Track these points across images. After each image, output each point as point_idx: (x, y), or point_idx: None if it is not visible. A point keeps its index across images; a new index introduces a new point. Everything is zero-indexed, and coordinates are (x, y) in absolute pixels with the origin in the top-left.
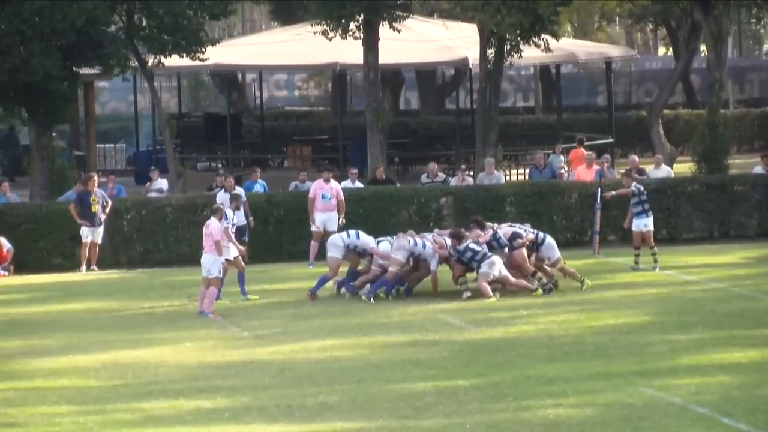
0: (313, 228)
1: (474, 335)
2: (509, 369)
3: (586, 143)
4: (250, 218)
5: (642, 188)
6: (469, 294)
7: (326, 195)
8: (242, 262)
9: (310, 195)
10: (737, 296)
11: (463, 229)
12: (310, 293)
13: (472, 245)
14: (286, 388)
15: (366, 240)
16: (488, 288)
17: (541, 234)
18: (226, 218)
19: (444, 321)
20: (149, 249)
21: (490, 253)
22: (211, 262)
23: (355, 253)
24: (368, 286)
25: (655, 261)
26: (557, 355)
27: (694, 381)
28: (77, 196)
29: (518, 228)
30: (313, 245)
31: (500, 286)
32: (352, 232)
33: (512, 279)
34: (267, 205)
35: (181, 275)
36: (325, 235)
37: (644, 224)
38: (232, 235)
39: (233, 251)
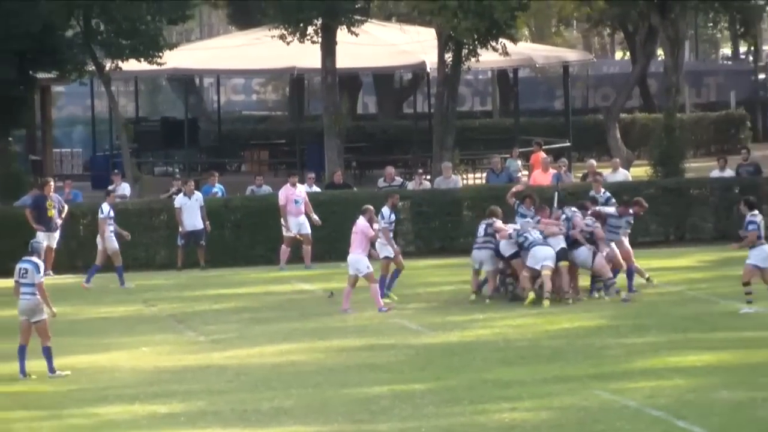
0: (288, 233)
1: (430, 339)
2: (465, 373)
3: (544, 147)
4: (206, 222)
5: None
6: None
7: (298, 200)
8: (402, 260)
9: (281, 201)
10: (693, 299)
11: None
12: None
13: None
14: (241, 393)
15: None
16: (527, 283)
17: (537, 237)
18: (383, 217)
19: (400, 325)
20: None
21: (537, 244)
22: (358, 261)
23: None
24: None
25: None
26: (513, 359)
27: (650, 384)
28: (33, 201)
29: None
30: (285, 249)
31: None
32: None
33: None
34: (224, 210)
35: (137, 280)
36: (302, 238)
37: None
38: (390, 234)
39: (389, 249)
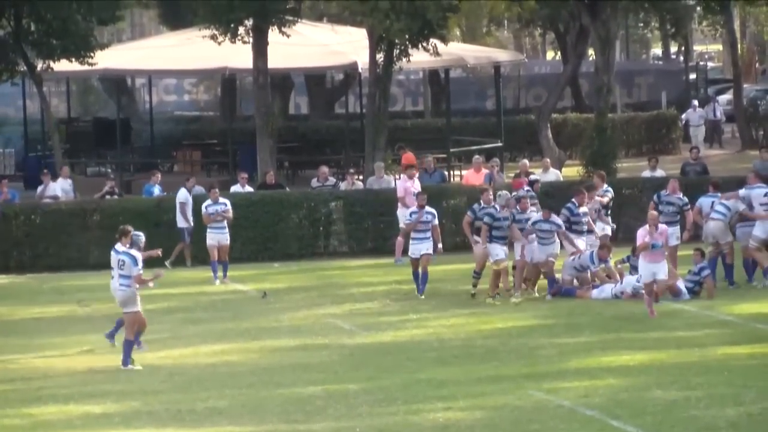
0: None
1: (364, 339)
2: (399, 373)
3: (476, 147)
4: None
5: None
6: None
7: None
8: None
9: (401, 193)
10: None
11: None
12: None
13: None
14: (175, 393)
15: None
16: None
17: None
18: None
19: (334, 325)
20: (38, 254)
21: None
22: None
23: None
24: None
25: None
26: (447, 359)
27: (583, 384)
28: None
29: None
30: (401, 241)
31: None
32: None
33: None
34: (157, 210)
35: (70, 280)
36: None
37: None
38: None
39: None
